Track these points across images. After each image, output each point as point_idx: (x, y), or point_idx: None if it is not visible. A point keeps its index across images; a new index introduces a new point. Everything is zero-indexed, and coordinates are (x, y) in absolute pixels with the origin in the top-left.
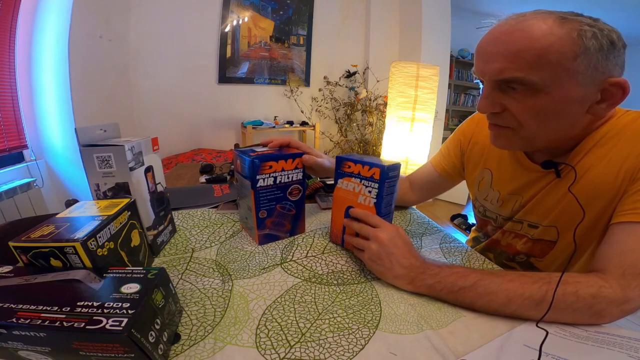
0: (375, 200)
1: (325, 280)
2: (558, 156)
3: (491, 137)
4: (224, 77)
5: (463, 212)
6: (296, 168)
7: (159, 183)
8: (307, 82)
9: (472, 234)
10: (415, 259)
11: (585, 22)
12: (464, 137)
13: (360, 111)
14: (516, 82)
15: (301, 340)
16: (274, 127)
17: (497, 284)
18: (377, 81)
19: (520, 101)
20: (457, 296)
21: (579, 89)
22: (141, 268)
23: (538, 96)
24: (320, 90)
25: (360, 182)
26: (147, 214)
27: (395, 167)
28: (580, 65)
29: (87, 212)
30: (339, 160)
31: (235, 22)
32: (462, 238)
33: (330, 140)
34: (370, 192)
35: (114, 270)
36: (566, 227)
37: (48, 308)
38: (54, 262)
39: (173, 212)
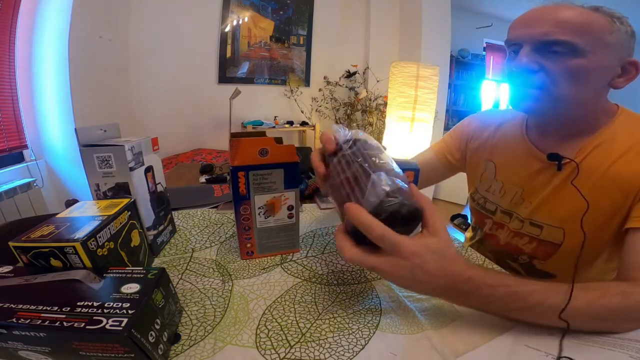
0: None
1: (325, 280)
2: (566, 142)
3: (517, 101)
4: (224, 77)
5: (463, 212)
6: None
7: (159, 183)
8: (307, 82)
9: (468, 234)
10: (425, 285)
11: (613, 13)
12: (469, 128)
13: (360, 111)
14: (559, 45)
15: (301, 340)
16: (274, 127)
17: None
18: (377, 81)
19: (558, 62)
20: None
21: (609, 59)
22: (141, 268)
23: (577, 59)
24: (320, 90)
25: None
26: (147, 214)
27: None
28: (613, 40)
29: (87, 212)
30: None
31: (235, 22)
32: (462, 238)
33: None
34: None
35: (114, 270)
36: (574, 227)
37: (48, 308)
38: (54, 262)
39: (173, 212)
